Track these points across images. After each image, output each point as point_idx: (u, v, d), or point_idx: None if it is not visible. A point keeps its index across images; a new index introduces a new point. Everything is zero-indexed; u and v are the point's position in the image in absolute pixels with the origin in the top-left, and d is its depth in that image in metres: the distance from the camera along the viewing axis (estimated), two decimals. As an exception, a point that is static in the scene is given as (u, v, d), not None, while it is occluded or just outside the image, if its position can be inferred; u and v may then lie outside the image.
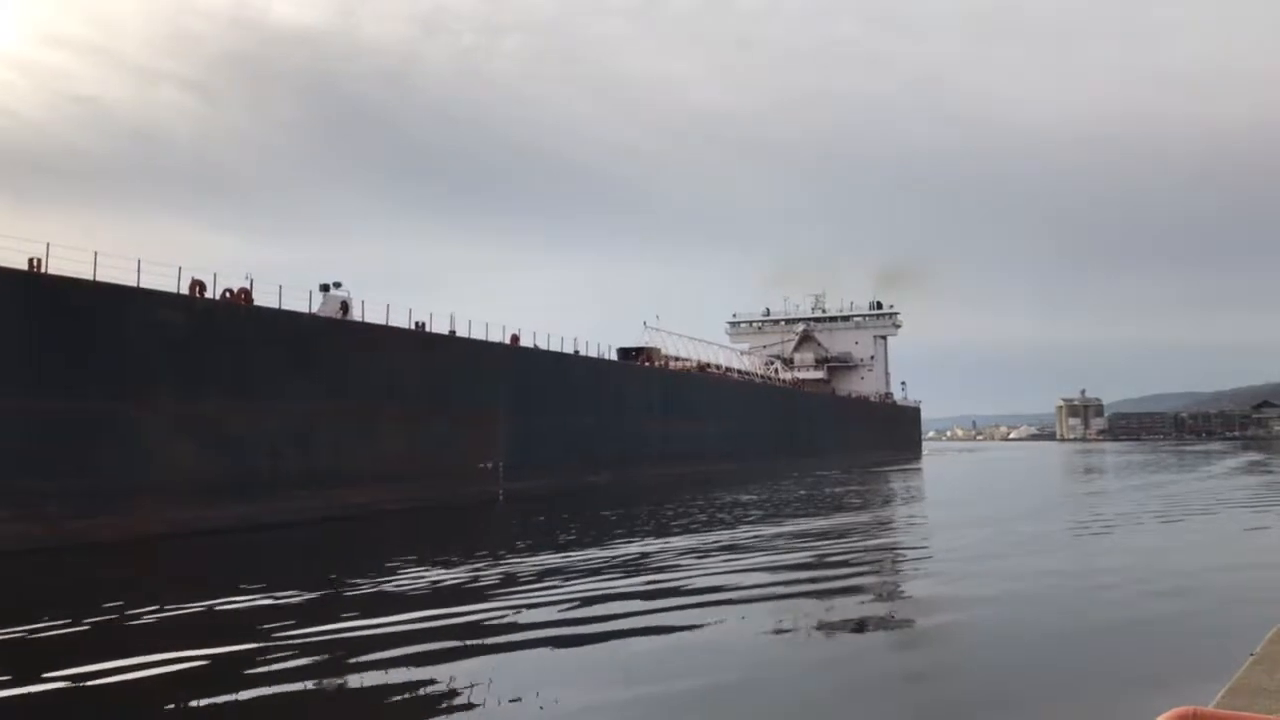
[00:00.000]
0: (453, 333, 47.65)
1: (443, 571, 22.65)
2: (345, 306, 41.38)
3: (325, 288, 40.87)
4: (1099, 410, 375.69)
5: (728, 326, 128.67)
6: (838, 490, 54.77)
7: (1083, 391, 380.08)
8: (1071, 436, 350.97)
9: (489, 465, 47.99)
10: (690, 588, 20.40)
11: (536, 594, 19.44)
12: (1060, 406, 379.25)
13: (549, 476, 51.84)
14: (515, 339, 51.93)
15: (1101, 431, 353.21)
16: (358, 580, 21.20)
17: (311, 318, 39.65)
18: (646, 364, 74.70)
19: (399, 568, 23.01)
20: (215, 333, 35.47)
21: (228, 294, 36.41)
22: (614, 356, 70.56)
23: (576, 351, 57.56)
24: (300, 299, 39.63)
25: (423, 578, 21.69)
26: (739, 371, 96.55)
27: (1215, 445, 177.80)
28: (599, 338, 74.43)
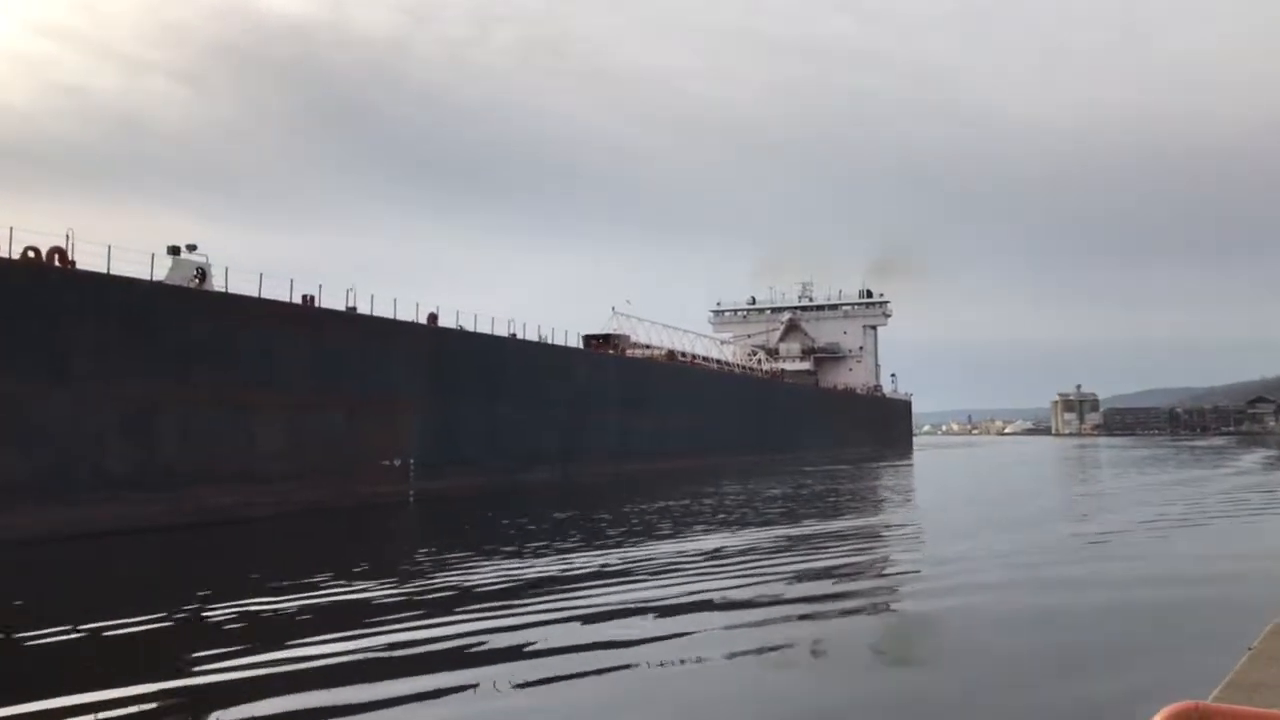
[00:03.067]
0: (352, 309, 39.87)
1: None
2: (202, 273, 33.60)
3: (175, 250, 33.04)
4: (1094, 405, 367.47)
5: (711, 315, 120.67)
6: (810, 491, 46.89)
7: (1078, 386, 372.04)
8: (1067, 432, 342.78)
9: (396, 462, 40.27)
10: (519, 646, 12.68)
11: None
12: (1056, 401, 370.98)
13: (475, 474, 44.14)
14: (433, 318, 44.13)
15: (1096, 426, 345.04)
16: None
17: (155, 285, 31.88)
18: (611, 351, 67.19)
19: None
20: (12, 299, 27.73)
21: (30, 253, 28.66)
22: (579, 343, 63.12)
23: (514, 335, 49.74)
24: (154, 265, 32.00)
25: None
26: (718, 361, 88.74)
27: (1217, 440, 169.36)
28: (586, 329, 67.42)
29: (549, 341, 52.84)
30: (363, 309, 40.37)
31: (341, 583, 18.86)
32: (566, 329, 56.65)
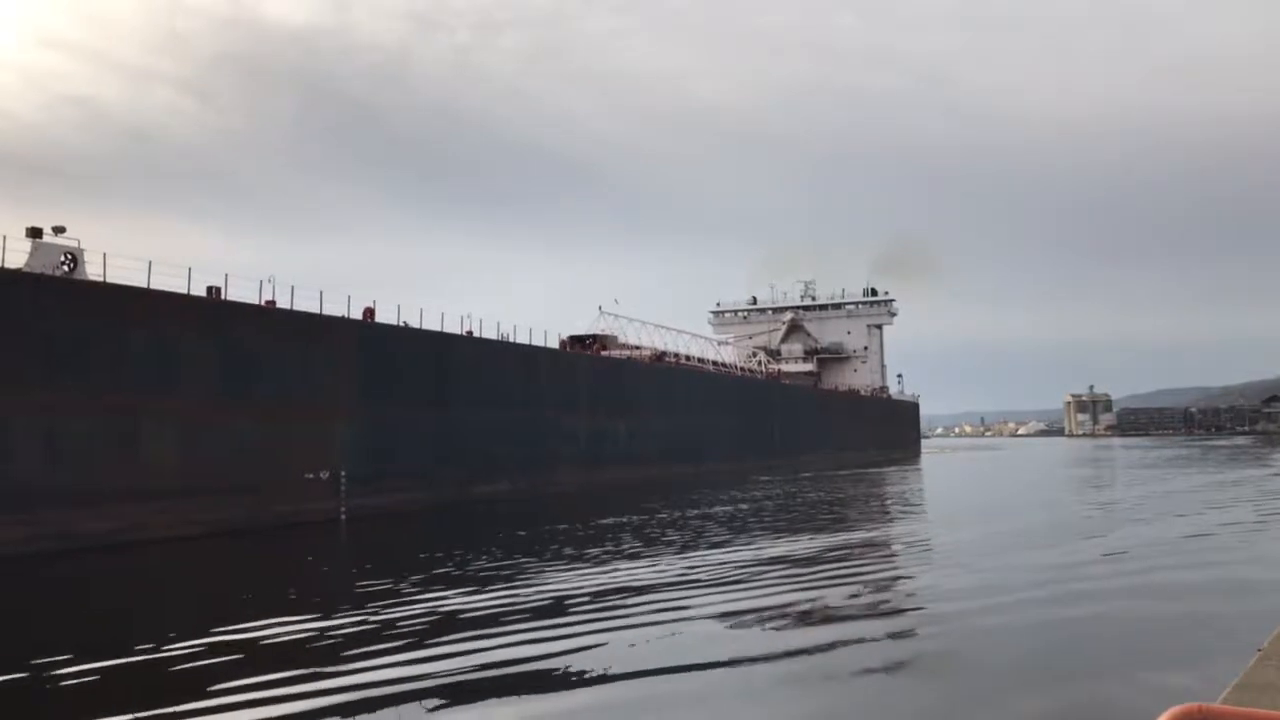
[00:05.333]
0: (270, 304, 34.57)
1: None
2: (74, 260, 28.35)
3: (35, 233, 27.78)
4: (1107, 406, 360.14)
5: (711, 316, 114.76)
6: (799, 501, 41.21)
7: (1091, 387, 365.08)
8: (1080, 432, 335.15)
9: (323, 475, 34.92)
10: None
11: None
12: (1069, 402, 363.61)
13: (421, 488, 38.78)
14: (369, 313, 38.76)
15: (1110, 427, 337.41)
16: None
17: (6, 273, 26.66)
18: (600, 352, 61.95)
19: None
20: None
21: None
22: (566, 344, 57.93)
23: (469, 332, 44.30)
24: (6, 250, 26.82)
25: None
26: (714, 363, 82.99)
27: (1239, 440, 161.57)
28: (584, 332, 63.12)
29: (511, 340, 47.34)
30: (284, 303, 35.11)
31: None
32: (559, 330, 52.02)
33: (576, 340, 63.23)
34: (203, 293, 32.20)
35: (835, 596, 17.31)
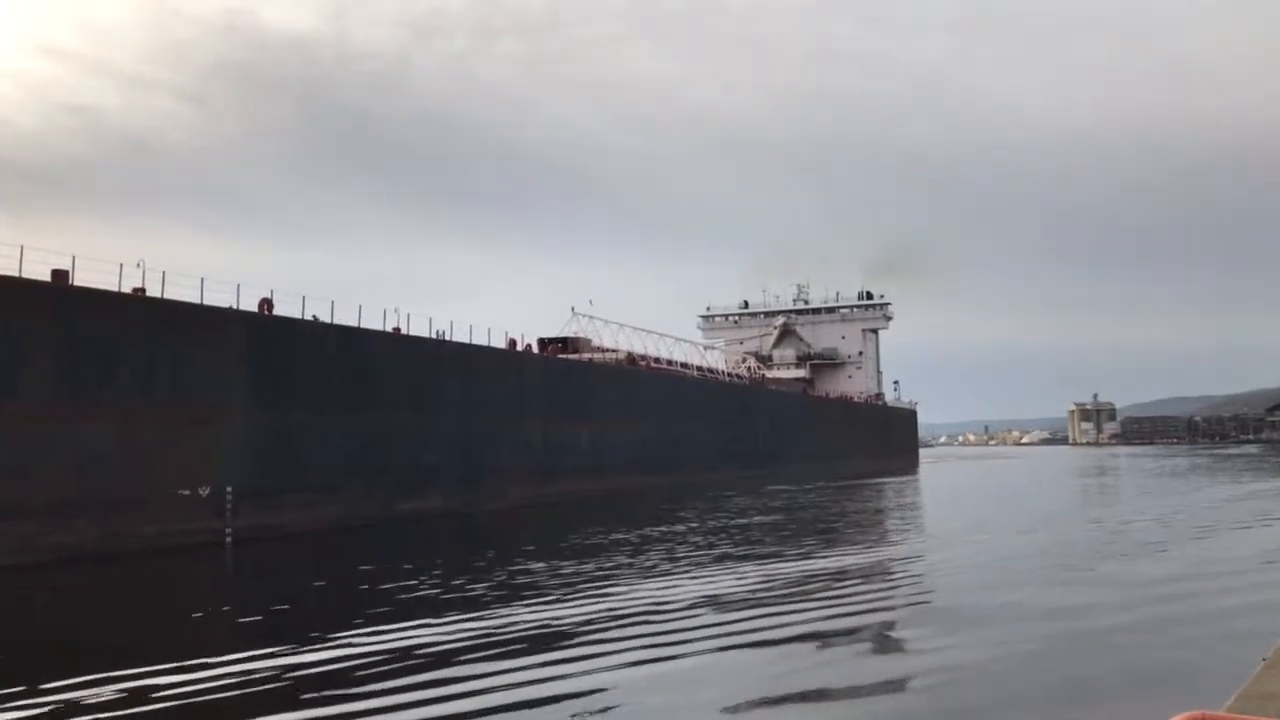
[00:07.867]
0: (139, 291, 29.08)
1: None
2: None
3: None
4: (1111, 414, 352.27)
5: (700, 321, 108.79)
6: (780, 519, 35.53)
7: (1095, 395, 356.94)
8: (1084, 441, 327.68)
9: (202, 490, 29.36)
10: None
11: None
12: (1073, 411, 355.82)
13: (331, 504, 33.29)
14: (267, 304, 33.22)
15: (1114, 435, 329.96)
16: None
17: None
18: (558, 354, 56.57)
19: None
20: None
21: None
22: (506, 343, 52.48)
23: (397, 329, 38.73)
24: None
25: None
26: (699, 368, 77.30)
27: (1250, 449, 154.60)
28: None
29: (447, 337, 41.69)
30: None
31: None
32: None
33: (545, 343, 57.91)
34: (46, 277, 26.82)
35: (801, 662, 11.63)
